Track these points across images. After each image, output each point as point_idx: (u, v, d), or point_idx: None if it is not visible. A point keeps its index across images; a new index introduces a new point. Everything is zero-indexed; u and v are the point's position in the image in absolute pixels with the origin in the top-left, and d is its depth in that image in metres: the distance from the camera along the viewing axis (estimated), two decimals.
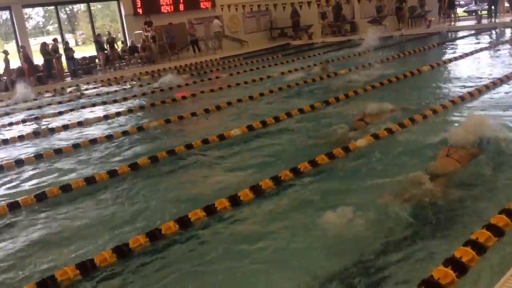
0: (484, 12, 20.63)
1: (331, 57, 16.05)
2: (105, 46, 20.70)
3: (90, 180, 5.76)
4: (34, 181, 6.23)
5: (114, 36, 22.22)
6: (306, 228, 3.98)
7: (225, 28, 25.16)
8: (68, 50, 19.64)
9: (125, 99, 12.75)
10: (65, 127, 9.61)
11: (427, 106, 7.27)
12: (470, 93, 7.81)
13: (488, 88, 8.17)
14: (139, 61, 21.57)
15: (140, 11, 22.58)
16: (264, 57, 19.21)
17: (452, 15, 21.24)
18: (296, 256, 3.62)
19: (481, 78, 9.29)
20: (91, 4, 23.47)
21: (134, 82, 16.45)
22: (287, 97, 10.25)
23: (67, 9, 37.38)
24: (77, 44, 36.33)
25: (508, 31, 17.56)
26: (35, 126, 10.41)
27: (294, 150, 6.35)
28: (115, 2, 23.27)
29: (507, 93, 7.94)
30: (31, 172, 6.67)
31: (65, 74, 19.98)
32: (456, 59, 12.11)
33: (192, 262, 3.68)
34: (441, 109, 7.07)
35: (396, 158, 5.37)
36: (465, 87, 8.63)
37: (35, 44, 21.89)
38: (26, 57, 18.13)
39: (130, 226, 4.39)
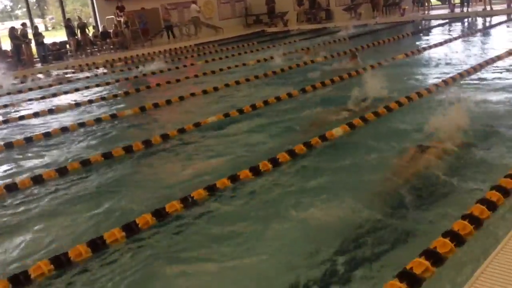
0: (457, 1, 20.88)
1: (309, 44, 15.99)
2: (76, 31, 20.20)
3: (62, 170, 5.60)
4: (3, 171, 6.02)
5: (85, 21, 21.68)
6: (284, 218, 3.94)
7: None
8: (38, 35, 19.10)
9: (97, 85, 12.47)
10: (36, 115, 9.33)
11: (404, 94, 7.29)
12: (444, 81, 7.90)
13: (462, 76, 8.27)
14: (111, 47, 21.13)
15: None
16: (240, 43, 19.05)
17: (426, 4, 21.44)
18: (273, 244, 3.58)
19: (455, 66, 9.40)
20: None
21: (106, 69, 16.07)
22: (264, 85, 10.19)
23: None
24: (47, 29, 35.42)
25: (480, 20, 17.85)
26: (3, 113, 10.08)
27: (271, 138, 6.30)
28: None
29: (481, 80, 8.04)
30: (0, 162, 6.44)
31: (34, 60, 19.45)
32: (430, 47, 12.23)
33: (168, 254, 3.61)
34: (416, 97, 7.13)
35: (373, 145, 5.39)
36: (439, 75, 8.73)
37: (3, 29, 21.22)
38: None
39: (105, 219, 4.27)
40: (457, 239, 3.12)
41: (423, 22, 19.47)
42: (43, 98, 11.38)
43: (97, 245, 3.71)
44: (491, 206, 3.48)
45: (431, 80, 8.45)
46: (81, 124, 7.88)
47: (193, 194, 4.36)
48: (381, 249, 3.34)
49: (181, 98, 9.37)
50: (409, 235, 3.49)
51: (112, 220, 4.20)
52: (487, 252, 2.88)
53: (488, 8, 19.02)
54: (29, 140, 7.23)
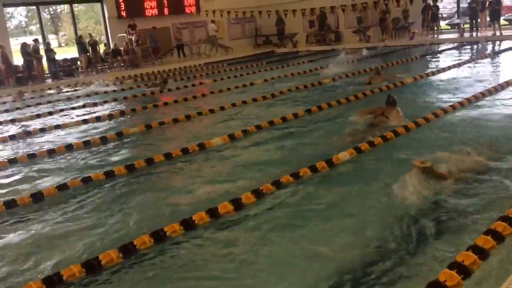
0: (467, 26, 20.88)
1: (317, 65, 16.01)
2: (88, 48, 20.43)
3: (62, 187, 5.56)
4: (5, 187, 5.99)
5: (96, 38, 21.93)
6: (288, 246, 3.85)
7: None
8: (49, 51, 19.31)
9: (105, 102, 12.52)
10: (42, 130, 9.36)
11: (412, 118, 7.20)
12: (452, 106, 7.82)
13: (470, 102, 8.17)
14: (122, 64, 21.30)
15: (124, 13, 22.34)
16: (249, 63, 19.14)
17: (435, 28, 21.45)
18: (275, 271, 3.49)
19: (464, 91, 9.32)
20: (74, 5, 23.10)
21: (116, 86, 16.18)
22: (270, 105, 10.16)
23: (50, 9, 36.93)
24: (60, 45, 35.91)
25: (489, 45, 17.81)
26: (10, 128, 10.12)
27: (276, 160, 6.23)
28: (99, 4, 22.98)
29: (490, 107, 7.95)
30: (2, 178, 6.42)
31: (45, 75, 19.64)
32: (439, 71, 12.16)
33: (164, 279, 3.53)
34: (423, 122, 7.05)
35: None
36: (447, 99, 8.65)
37: (16, 44, 21.50)
38: (4, 57, 17.71)
39: (101, 239, 4.20)
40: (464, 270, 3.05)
41: (433, 46, 19.46)
42: (50, 113, 11.43)
43: (92, 266, 3.64)
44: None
45: (439, 104, 8.35)
46: (86, 142, 7.86)
47: (194, 217, 4.28)
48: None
49: (188, 117, 9.35)
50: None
51: (109, 241, 4.12)
52: None
53: (497, 33, 18.98)
54: (32, 156, 7.21)
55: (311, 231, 4.03)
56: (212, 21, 23.37)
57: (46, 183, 5.94)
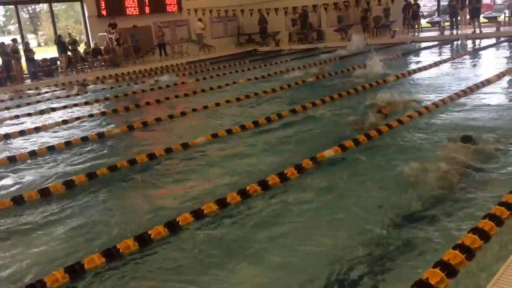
0: (447, 24, 21.11)
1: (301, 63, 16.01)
2: (68, 48, 20.13)
3: (44, 191, 5.44)
4: None
5: (75, 37, 21.61)
6: (274, 246, 3.82)
7: (191, 32, 24.94)
8: (28, 51, 18.96)
9: (86, 103, 12.34)
10: (22, 133, 9.17)
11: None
12: (434, 104, 7.87)
13: (452, 99, 8.23)
14: (102, 64, 21.03)
15: (104, 12, 22.05)
16: (232, 62, 19.06)
17: (416, 26, 21.65)
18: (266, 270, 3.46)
19: (446, 88, 9.39)
20: (53, 4, 22.72)
21: (98, 86, 15.96)
22: (256, 104, 10.12)
23: (29, 8, 36.29)
24: (39, 45, 35.31)
25: (469, 42, 18.04)
26: None
27: (261, 160, 6.19)
28: (79, 3, 22.66)
29: (470, 102, 8.01)
30: None
31: (24, 76, 19.28)
32: (420, 69, 12.25)
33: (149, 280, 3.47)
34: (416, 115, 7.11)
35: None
36: (429, 96, 8.71)
37: None
38: None
39: (85, 243, 4.11)
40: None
41: (413, 44, 19.62)
42: (29, 115, 11.21)
43: (76, 271, 3.55)
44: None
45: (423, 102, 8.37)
46: (68, 143, 7.71)
47: (178, 219, 4.22)
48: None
49: (171, 117, 9.27)
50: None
51: (92, 245, 4.04)
52: None
53: (477, 31, 19.23)
54: (12, 159, 7.05)
55: (298, 231, 4.00)
56: (199, 20, 23.35)
57: (27, 186, 5.81)
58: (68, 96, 13.94)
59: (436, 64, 12.84)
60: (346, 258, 3.47)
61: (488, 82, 9.31)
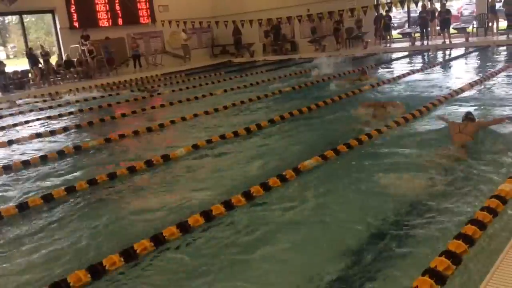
0: (418, 35, 21.59)
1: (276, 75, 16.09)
2: (39, 60, 19.76)
3: (22, 206, 5.28)
4: None
5: (47, 49, 21.25)
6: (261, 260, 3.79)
7: (165, 44, 24.87)
8: None
9: (60, 115, 12.10)
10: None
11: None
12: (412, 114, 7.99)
13: (428, 109, 8.37)
14: (75, 76, 20.71)
15: (76, 24, 21.80)
16: (207, 73, 19.05)
17: (388, 37, 22.10)
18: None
19: (421, 98, 9.56)
20: (24, 16, 22.32)
21: (70, 98, 15.69)
22: (233, 115, 10.12)
23: None
24: (8, 57, 34.54)
25: (439, 53, 18.48)
26: None
27: (242, 170, 6.16)
28: (50, 14, 22.31)
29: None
30: None
31: None
32: (394, 79, 12.46)
33: None
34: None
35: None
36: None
37: None
38: None
39: (67, 259, 3.99)
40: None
41: (385, 54, 20.00)
42: (2, 129, 10.93)
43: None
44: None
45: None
46: (43, 157, 7.52)
47: (164, 232, 4.15)
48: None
49: (149, 129, 9.16)
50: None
51: (74, 262, 3.93)
52: None
53: (447, 41, 19.72)
54: None
55: (285, 243, 3.98)
56: (183, 30, 23.70)
57: (5, 201, 5.64)
58: (41, 109, 13.63)
59: (409, 73, 13.10)
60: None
61: (461, 90, 9.53)
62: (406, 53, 19.15)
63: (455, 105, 8.55)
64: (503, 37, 18.94)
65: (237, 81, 15.83)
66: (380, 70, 15.41)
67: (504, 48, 17.33)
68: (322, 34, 23.67)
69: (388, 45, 21.86)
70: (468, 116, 6.38)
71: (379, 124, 7.28)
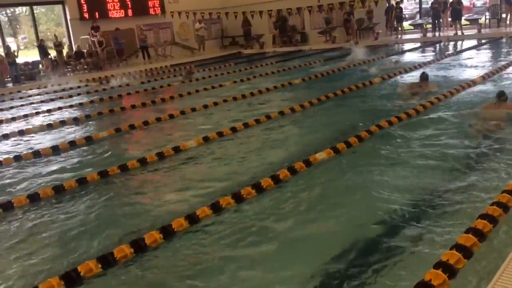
0: (429, 26, 21.35)
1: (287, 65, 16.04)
2: (50, 51, 19.84)
3: (33, 196, 5.32)
4: None
5: (60, 40, 21.33)
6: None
7: (175, 35, 24.87)
8: (10, 55, 18.63)
9: (71, 106, 12.16)
10: (5, 137, 9.00)
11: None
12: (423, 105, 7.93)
13: (439, 100, 8.30)
14: (85, 67, 20.78)
15: (86, 15, 21.83)
16: (216, 65, 19.01)
17: (399, 28, 21.88)
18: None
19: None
20: (34, 7, 22.39)
21: (80, 89, 15.77)
22: (241, 107, 10.10)
23: (8, 11, 35.70)
24: (19, 49, 34.72)
25: (451, 44, 18.28)
26: None
27: (253, 162, 6.15)
28: (60, 5, 22.37)
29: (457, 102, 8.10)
30: None
31: (6, 80, 18.94)
32: (406, 71, 12.34)
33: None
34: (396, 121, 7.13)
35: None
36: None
37: None
38: None
39: (79, 250, 4.02)
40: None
41: (396, 45, 19.82)
42: (13, 119, 11.01)
43: (72, 279, 3.47)
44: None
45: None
46: (55, 148, 7.57)
47: (173, 224, 4.16)
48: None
49: (158, 120, 9.17)
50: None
51: (87, 254, 3.95)
52: None
53: (459, 32, 19.50)
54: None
55: (289, 238, 3.97)
56: (199, 21, 23.84)
57: (15, 191, 5.69)
58: (52, 100, 13.69)
59: (420, 65, 12.97)
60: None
61: (473, 83, 9.43)
62: (417, 45, 18.94)
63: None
64: None
65: (247, 72, 15.75)
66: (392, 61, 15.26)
67: None
68: (333, 25, 23.49)
69: (399, 36, 21.65)
70: (501, 97, 6.56)
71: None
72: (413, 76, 11.18)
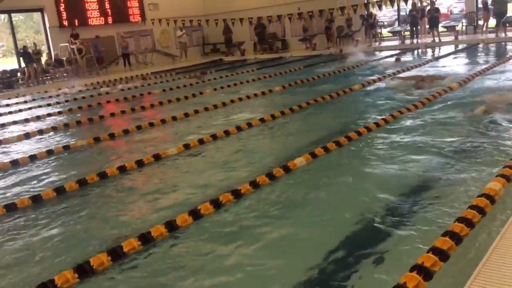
0: (407, 33, 21.69)
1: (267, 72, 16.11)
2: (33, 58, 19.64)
3: (10, 206, 5.24)
4: None
5: (39, 48, 21.11)
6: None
7: (156, 42, 24.81)
8: None
9: (49, 115, 12.01)
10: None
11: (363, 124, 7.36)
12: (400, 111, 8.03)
13: (416, 107, 8.41)
14: (64, 75, 20.58)
15: (65, 23, 21.67)
16: (197, 72, 18.99)
17: (378, 36, 22.20)
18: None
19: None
20: (13, 14, 22.14)
21: (60, 97, 15.59)
22: (222, 114, 10.10)
23: None
24: None
25: (429, 51, 18.59)
26: None
27: (233, 169, 6.15)
28: (39, 13, 22.16)
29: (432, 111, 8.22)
30: None
31: None
32: (384, 77, 12.50)
33: None
34: (375, 127, 7.21)
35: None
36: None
37: None
38: None
39: (56, 260, 3.97)
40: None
41: (376, 52, 20.07)
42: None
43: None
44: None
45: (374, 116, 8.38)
46: (32, 157, 7.46)
47: (152, 231, 4.13)
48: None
49: (139, 128, 9.12)
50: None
51: (64, 262, 3.90)
52: None
53: (436, 39, 19.84)
54: None
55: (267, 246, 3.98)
56: (180, 28, 23.83)
57: None
58: (29, 109, 13.50)
59: (398, 72, 13.15)
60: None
61: (450, 89, 9.60)
62: (396, 51, 19.20)
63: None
64: (492, 35, 19.09)
65: (228, 79, 15.78)
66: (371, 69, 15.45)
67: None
68: (313, 33, 23.72)
69: (377, 43, 21.94)
70: None
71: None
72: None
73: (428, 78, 10.33)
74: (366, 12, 21.73)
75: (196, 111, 10.24)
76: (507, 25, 18.99)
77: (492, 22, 19.85)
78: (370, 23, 21.71)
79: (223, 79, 16.18)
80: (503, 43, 17.92)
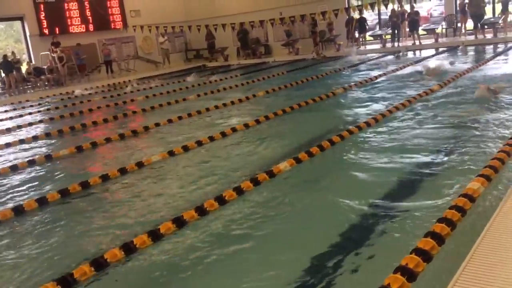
0: (388, 37, 21.93)
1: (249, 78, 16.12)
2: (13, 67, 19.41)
3: None
4: None
5: (18, 57, 20.87)
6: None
7: (138, 49, 24.72)
8: None
9: (30, 124, 11.85)
10: None
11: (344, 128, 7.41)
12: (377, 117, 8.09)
13: (397, 108, 8.49)
14: (46, 83, 20.36)
15: (46, 31, 21.46)
16: (181, 78, 18.94)
17: (361, 39, 22.39)
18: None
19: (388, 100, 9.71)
20: None
21: (41, 106, 15.41)
22: (206, 120, 10.08)
23: None
24: None
25: (410, 53, 18.81)
26: None
27: (217, 176, 6.13)
28: (19, 22, 21.91)
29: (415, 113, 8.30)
30: None
31: None
32: (366, 81, 12.59)
33: None
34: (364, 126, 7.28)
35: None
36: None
37: None
38: None
39: (38, 272, 3.90)
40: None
41: (357, 56, 20.21)
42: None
43: None
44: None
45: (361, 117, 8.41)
46: (13, 167, 7.36)
47: (135, 241, 4.09)
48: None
49: (122, 136, 9.04)
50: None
51: (45, 274, 3.84)
52: None
53: (417, 42, 20.07)
54: None
55: (257, 247, 3.98)
56: (161, 34, 23.76)
57: None
58: (11, 118, 13.33)
59: (380, 75, 13.28)
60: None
61: (431, 91, 9.72)
62: (378, 55, 19.38)
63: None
64: (471, 37, 19.39)
65: (212, 85, 15.76)
66: (353, 72, 15.57)
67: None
68: (296, 37, 23.83)
69: (359, 47, 22.12)
70: None
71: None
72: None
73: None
74: (353, 16, 21.92)
75: (180, 117, 10.20)
76: (485, 27, 19.29)
77: (470, 24, 20.16)
78: (364, 27, 22.04)
79: (206, 85, 16.16)
80: (480, 45, 18.23)
